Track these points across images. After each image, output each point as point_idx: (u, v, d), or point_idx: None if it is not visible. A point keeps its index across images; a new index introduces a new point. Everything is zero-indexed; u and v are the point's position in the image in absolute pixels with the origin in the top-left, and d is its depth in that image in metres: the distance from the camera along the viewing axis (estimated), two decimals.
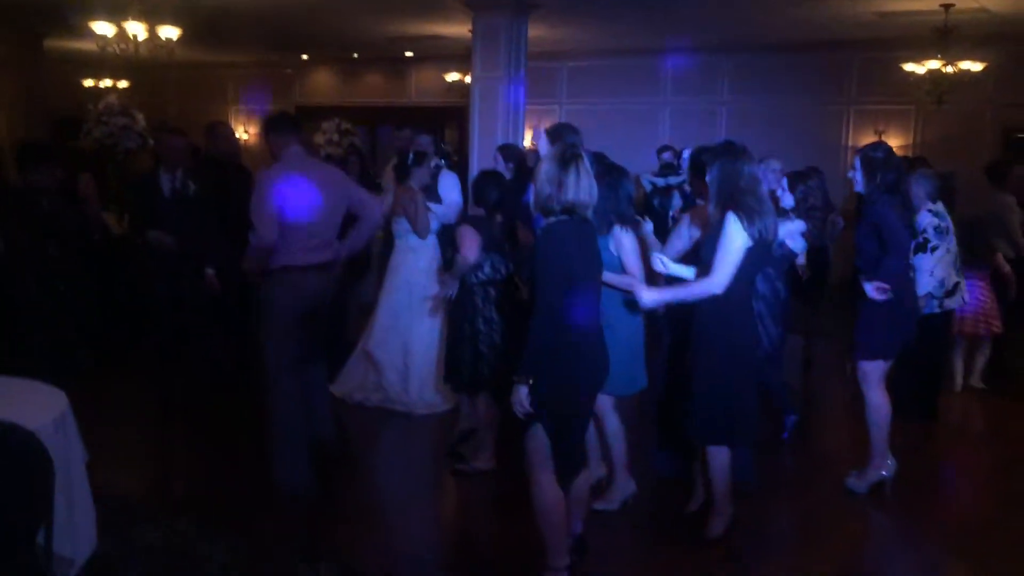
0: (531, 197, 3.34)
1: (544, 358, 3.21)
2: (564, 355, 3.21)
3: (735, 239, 3.55)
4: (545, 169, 3.23)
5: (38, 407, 2.98)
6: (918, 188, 5.07)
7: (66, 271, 5.14)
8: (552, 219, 3.26)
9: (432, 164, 5.71)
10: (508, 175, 5.63)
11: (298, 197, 4.17)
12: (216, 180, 5.73)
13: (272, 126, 4.42)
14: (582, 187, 3.19)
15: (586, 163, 3.24)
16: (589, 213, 3.26)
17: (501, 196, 4.62)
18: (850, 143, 10.72)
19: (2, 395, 3.11)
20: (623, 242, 3.91)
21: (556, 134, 4.29)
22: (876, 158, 4.32)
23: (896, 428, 4.52)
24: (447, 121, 12.89)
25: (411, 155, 5.60)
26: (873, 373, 4.39)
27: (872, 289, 4.25)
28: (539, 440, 3.22)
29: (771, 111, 10.78)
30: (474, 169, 8.20)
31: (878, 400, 4.39)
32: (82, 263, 5.30)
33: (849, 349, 4.55)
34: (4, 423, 2.61)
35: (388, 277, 5.74)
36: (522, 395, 3.12)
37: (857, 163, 4.38)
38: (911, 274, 4.76)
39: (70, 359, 4.99)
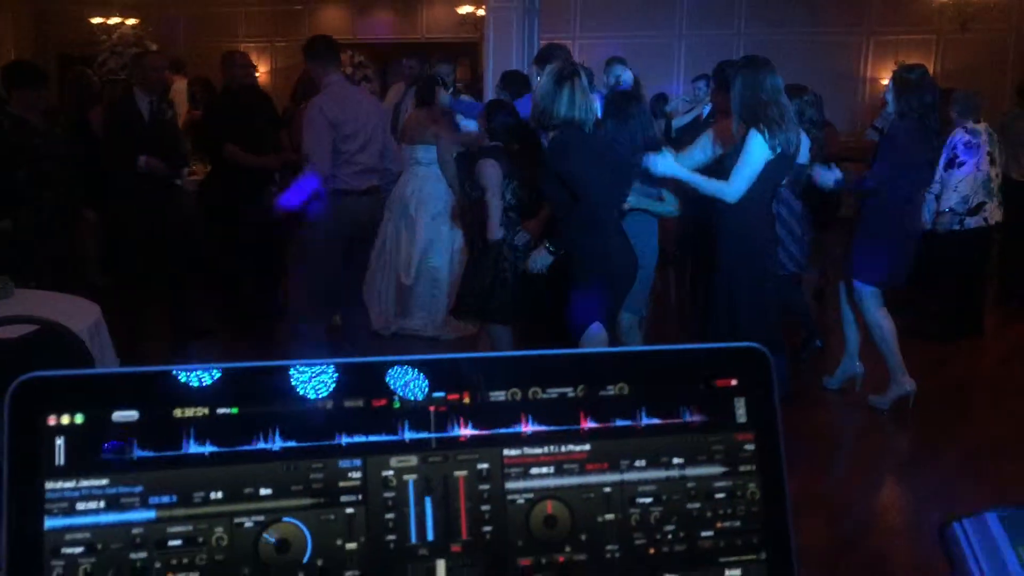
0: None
1: (572, 263, 3.29)
2: (589, 260, 3.29)
3: (755, 152, 3.56)
4: (542, 85, 3.30)
5: (74, 315, 3.05)
6: (958, 107, 5.05)
7: (36, 198, 4.96)
8: (554, 133, 3.32)
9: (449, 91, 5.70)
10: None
11: (348, 123, 4.22)
12: (235, 111, 5.70)
13: (313, 52, 4.39)
14: (576, 104, 3.25)
15: (583, 81, 3.31)
16: (587, 129, 3.34)
17: (513, 123, 4.56)
18: (869, 74, 10.56)
19: (41, 303, 3.18)
20: (661, 165, 3.93)
21: (545, 58, 4.33)
22: (909, 79, 4.27)
23: (934, 345, 4.53)
24: (459, 57, 12.69)
25: (438, 80, 5.53)
26: (868, 293, 4.37)
27: (824, 174, 4.27)
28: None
29: (788, 42, 10.57)
30: None
31: (877, 319, 4.37)
32: (66, 191, 5.14)
33: (846, 270, 4.54)
34: (52, 322, 2.66)
35: (417, 207, 5.61)
36: (544, 258, 3.37)
37: (891, 84, 4.36)
38: (922, 200, 4.74)
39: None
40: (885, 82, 9.80)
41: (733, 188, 3.57)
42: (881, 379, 4.58)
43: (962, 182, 5.04)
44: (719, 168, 3.86)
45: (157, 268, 5.38)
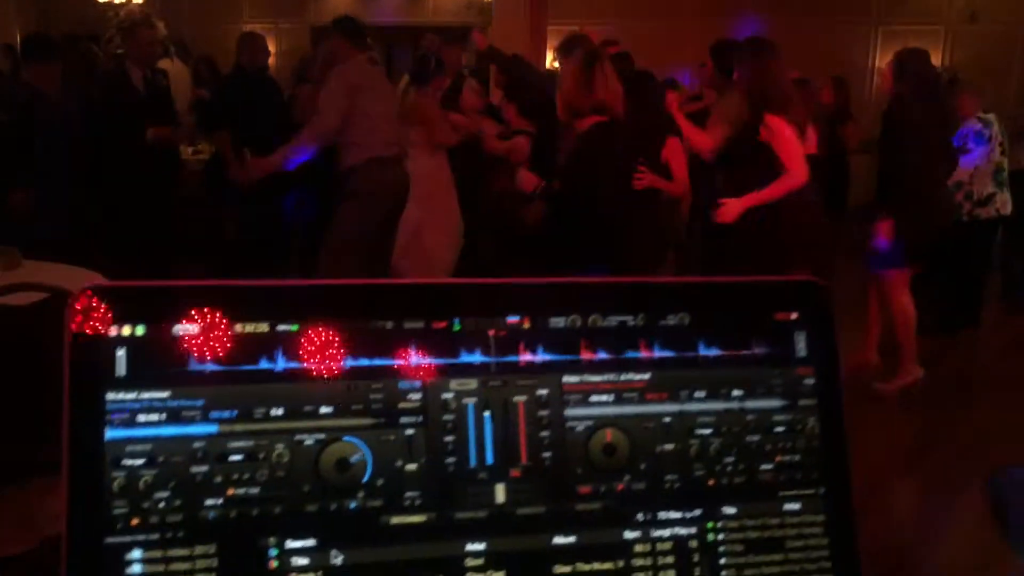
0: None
1: (578, 249, 3.28)
2: (597, 248, 3.28)
3: (787, 133, 3.57)
4: (568, 73, 3.26)
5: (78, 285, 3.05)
6: (968, 98, 5.07)
7: (52, 172, 4.96)
8: (590, 124, 3.29)
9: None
10: None
11: (371, 90, 4.26)
12: (248, 92, 5.69)
13: (346, 29, 4.39)
14: (610, 86, 3.23)
15: (609, 64, 3.28)
16: (617, 113, 3.33)
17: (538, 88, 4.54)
18: (876, 64, 10.52)
19: (49, 274, 3.16)
20: (673, 148, 3.92)
21: (568, 47, 4.32)
22: (911, 60, 4.30)
23: (935, 335, 4.55)
24: (466, 42, 12.65)
25: (433, 60, 5.45)
26: (897, 277, 4.39)
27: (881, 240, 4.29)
28: None
29: (796, 31, 10.53)
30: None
31: (903, 302, 4.40)
32: (78, 167, 5.13)
33: (873, 254, 4.53)
34: (61, 289, 2.66)
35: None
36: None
37: (891, 65, 4.36)
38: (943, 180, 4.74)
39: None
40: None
41: (797, 172, 3.55)
42: (887, 367, 4.58)
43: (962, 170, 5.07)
44: (728, 155, 3.85)
45: (158, 246, 5.37)
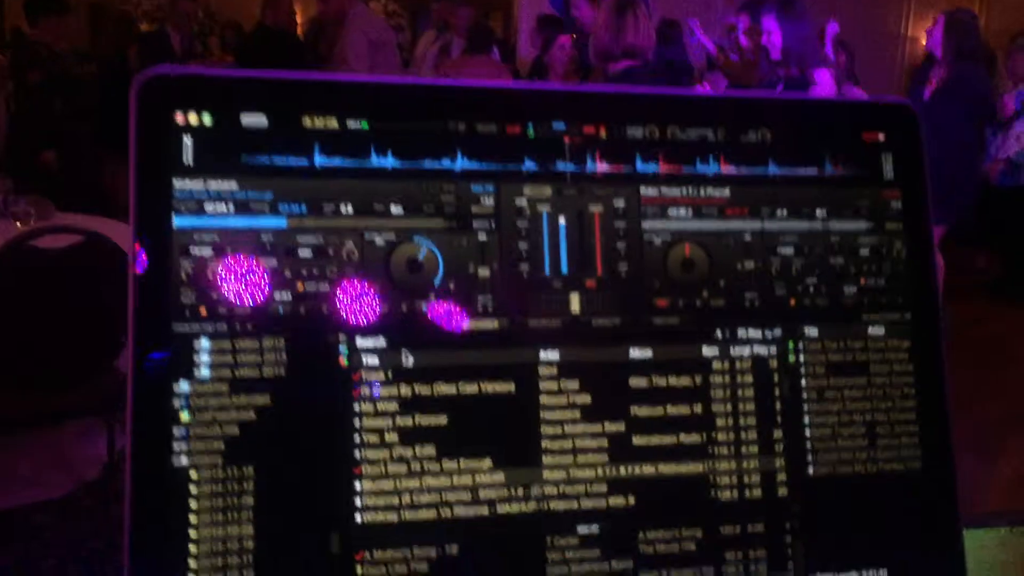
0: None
1: None
2: None
3: (824, 82, 3.56)
4: (603, 17, 3.23)
5: (113, 235, 3.04)
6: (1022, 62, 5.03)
7: (71, 130, 4.97)
8: (623, 68, 3.25)
9: None
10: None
11: (386, 49, 4.24)
12: (273, 53, 5.68)
13: None
14: (641, 31, 3.20)
15: (644, 8, 3.24)
16: (649, 58, 3.30)
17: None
18: (910, 32, 10.32)
19: (83, 223, 3.17)
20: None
21: None
22: (962, 20, 4.25)
23: (976, 302, 4.51)
24: (491, 9, 12.56)
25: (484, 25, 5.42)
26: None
27: None
28: None
29: None
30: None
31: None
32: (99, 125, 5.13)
33: None
34: (96, 233, 2.67)
35: None
36: None
37: (940, 23, 4.31)
38: (986, 143, 4.70)
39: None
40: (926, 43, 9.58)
41: None
42: None
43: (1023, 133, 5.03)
44: None
45: None
